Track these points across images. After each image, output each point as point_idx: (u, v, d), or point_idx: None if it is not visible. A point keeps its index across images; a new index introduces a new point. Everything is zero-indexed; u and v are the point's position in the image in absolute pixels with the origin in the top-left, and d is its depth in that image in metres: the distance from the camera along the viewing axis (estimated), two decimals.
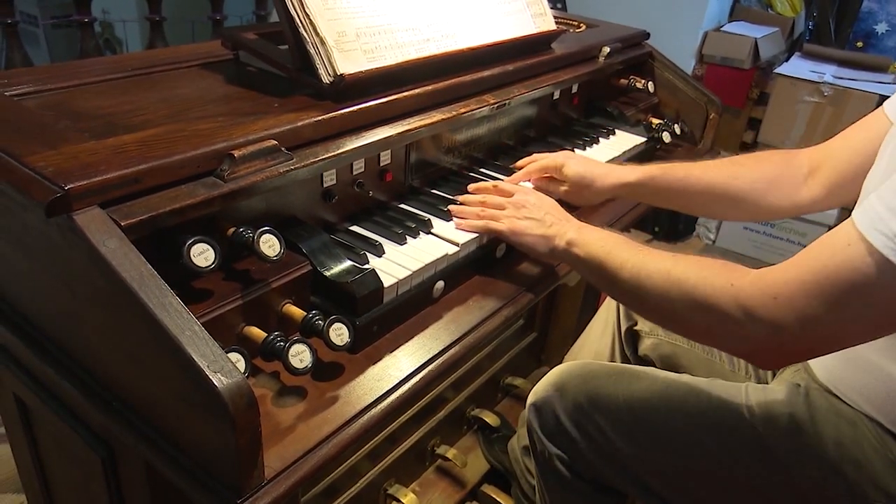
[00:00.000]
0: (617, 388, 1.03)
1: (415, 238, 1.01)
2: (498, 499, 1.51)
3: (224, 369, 0.61)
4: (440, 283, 0.95)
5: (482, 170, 1.27)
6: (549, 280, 1.07)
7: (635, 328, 1.33)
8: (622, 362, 1.38)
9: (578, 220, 1.02)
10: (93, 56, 2.38)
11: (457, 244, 1.00)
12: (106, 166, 0.70)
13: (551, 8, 1.39)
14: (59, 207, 0.65)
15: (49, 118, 0.84)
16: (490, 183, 1.16)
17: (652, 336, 1.30)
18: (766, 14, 3.47)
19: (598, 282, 0.95)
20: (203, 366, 0.60)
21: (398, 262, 0.93)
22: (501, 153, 1.34)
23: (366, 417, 0.76)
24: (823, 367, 0.99)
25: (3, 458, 1.62)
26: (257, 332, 0.77)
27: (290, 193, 0.92)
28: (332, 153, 0.90)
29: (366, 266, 0.91)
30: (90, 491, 0.94)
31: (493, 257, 1.07)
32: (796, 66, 3.09)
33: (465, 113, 1.10)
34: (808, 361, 1.02)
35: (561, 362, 1.52)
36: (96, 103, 0.92)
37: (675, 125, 1.59)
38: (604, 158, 1.37)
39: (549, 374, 1.11)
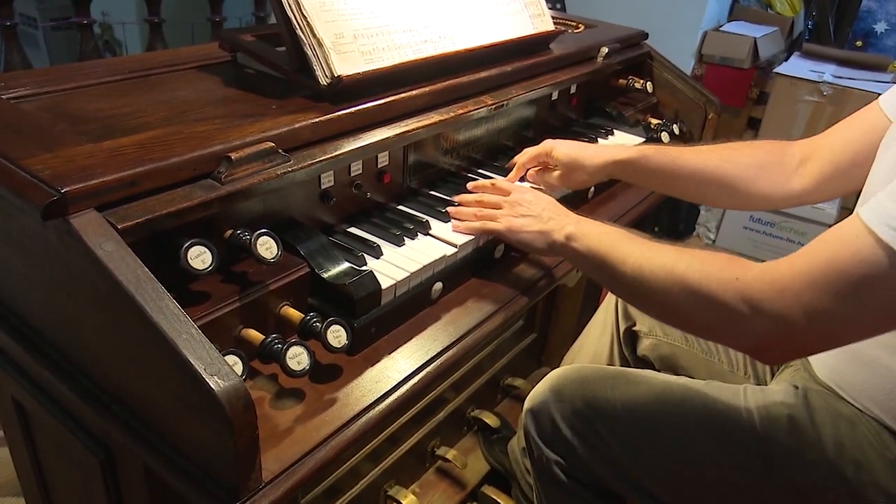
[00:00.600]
0: (614, 393, 1.02)
1: (413, 239, 1.01)
2: (498, 500, 1.51)
3: (221, 372, 0.61)
4: (438, 285, 0.95)
5: (480, 171, 1.27)
6: (548, 280, 1.07)
7: (634, 329, 1.33)
8: (621, 363, 1.37)
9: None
10: (92, 58, 2.38)
11: (455, 245, 1.00)
12: (103, 169, 0.70)
13: (550, 8, 1.39)
14: (55, 210, 0.65)
15: (46, 121, 0.84)
16: (487, 182, 1.15)
17: (651, 337, 1.30)
18: (766, 14, 3.47)
19: (598, 276, 0.94)
20: (200, 369, 0.60)
21: (396, 264, 0.93)
22: (500, 154, 1.34)
23: (364, 419, 0.76)
24: (825, 364, 0.98)
25: (3, 461, 1.62)
26: (255, 335, 0.77)
27: (287, 195, 0.92)
28: (330, 155, 0.90)
29: (364, 268, 0.91)
30: (89, 493, 0.94)
31: (491, 258, 1.07)
32: (796, 66, 3.09)
33: (463, 114, 1.10)
34: (809, 360, 1.02)
35: (561, 363, 1.53)
36: (94, 106, 0.92)
37: (674, 125, 1.59)
38: None
39: (544, 379, 1.10)
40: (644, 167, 1.15)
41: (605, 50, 1.48)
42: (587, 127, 1.53)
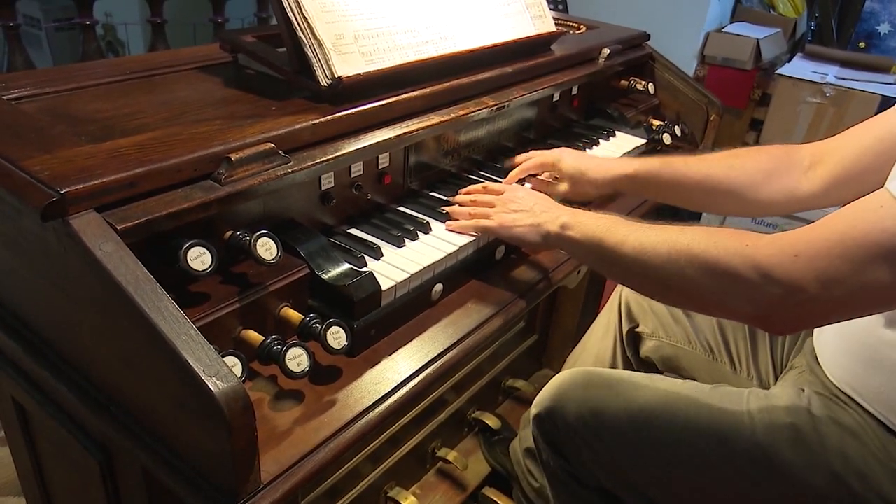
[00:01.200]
0: (618, 399, 1.01)
1: (413, 241, 1.00)
2: (499, 501, 1.51)
3: (220, 374, 0.61)
4: (439, 286, 0.95)
5: (481, 172, 1.27)
6: (549, 282, 1.07)
7: (637, 330, 1.33)
8: (624, 365, 1.37)
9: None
10: (95, 58, 2.38)
11: (455, 246, 0.99)
12: (102, 170, 0.70)
13: (552, 9, 1.39)
14: (54, 212, 0.65)
15: (46, 122, 0.84)
16: (479, 185, 1.14)
17: (654, 338, 1.30)
18: (768, 15, 3.46)
19: (596, 262, 0.93)
20: (199, 370, 0.60)
21: (396, 265, 0.93)
22: (501, 155, 1.34)
23: (363, 421, 0.76)
24: (838, 366, 0.96)
25: (4, 461, 1.62)
26: (254, 336, 0.77)
27: (287, 196, 0.92)
28: (330, 156, 0.90)
29: (364, 269, 0.90)
30: (88, 494, 0.94)
31: (492, 259, 1.06)
32: (798, 67, 3.09)
33: (464, 115, 1.10)
34: (821, 363, 1.00)
35: (562, 365, 1.53)
36: (94, 106, 0.92)
37: (676, 126, 1.59)
38: None
39: (549, 383, 1.09)
40: (650, 180, 1.14)
41: (606, 51, 1.48)
42: (588, 128, 1.52)
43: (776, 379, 1.15)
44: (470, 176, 1.25)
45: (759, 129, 3.21)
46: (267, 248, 0.78)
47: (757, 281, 0.72)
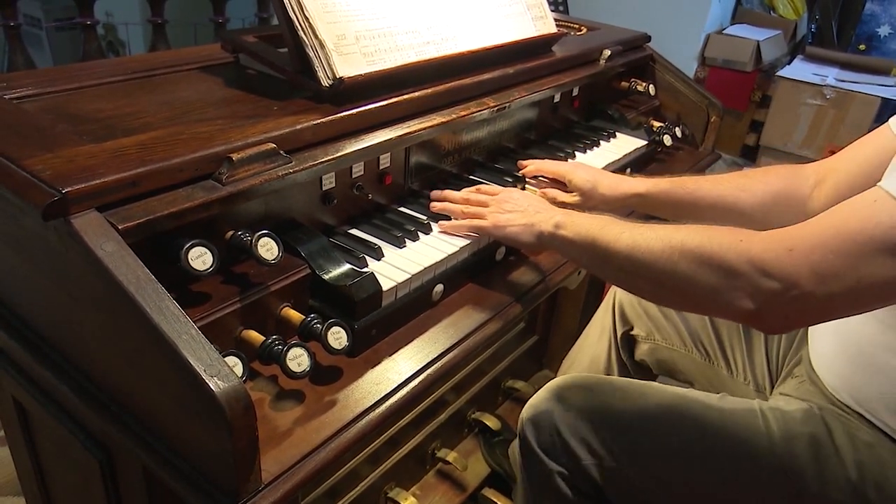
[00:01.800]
0: (624, 403, 0.99)
1: (414, 241, 1.00)
2: (498, 502, 1.51)
3: (221, 373, 0.61)
4: (439, 287, 0.95)
5: (482, 173, 1.27)
6: (549, 283, 1.07)
7: (631, 333, 1.33)
8: (619, 368, 1.37)
9: None
10: (96, 58, 2.38)
11: (456, 247, 0.99)
12: (104, 169, 0.70)
13: (553, 11, 1.39)
14: (56, 211, 0.65)
15: (48, 121, 0.84)
16: (473, 187, 1.13)
17: (648, 341, 1.30)
18: (769, 17, 3.47)
19: (589, 261, 0.92)
20: (200, 370, 0.60)
21: (397, 266, 0.93)
22: (501, 156, 1.34)
23: (364, 421, 0.76)
24: (838, 376, 0.96)
25: (4, 460, 1.62)
26: (255, 336, 0.77)
27: (288, 196, 0.92)
28: (332, 156, 0.90)
29: (364, 269, 0.90)
30: (89, 494, 0.94)
31: (492, 260, 1.06)
32: (799, 69, 3.09)
33: (465, 116, 1.10)
34: (818, 374, 1.00)
35: (559, 366, 1.53)
36: (96, 106, 0.92)
37: (677, 128, 1.59)
38: (604, 161, 1.37)
39: (545, 387, 1.07)
40: (662, 200, 1.14)
41: (607, 52, 1.48)
42: (589, 129, 1.52)
43: (772, 383, 1.15)
44: (471, 177, 1.25)
45: (759, 131, 3.21)
46: (268, 248, 0.78)
47: (752, 275, 0.71)
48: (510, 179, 1.23)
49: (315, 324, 0.78)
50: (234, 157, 0.79)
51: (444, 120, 1.06)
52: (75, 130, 0.82)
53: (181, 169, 0.75)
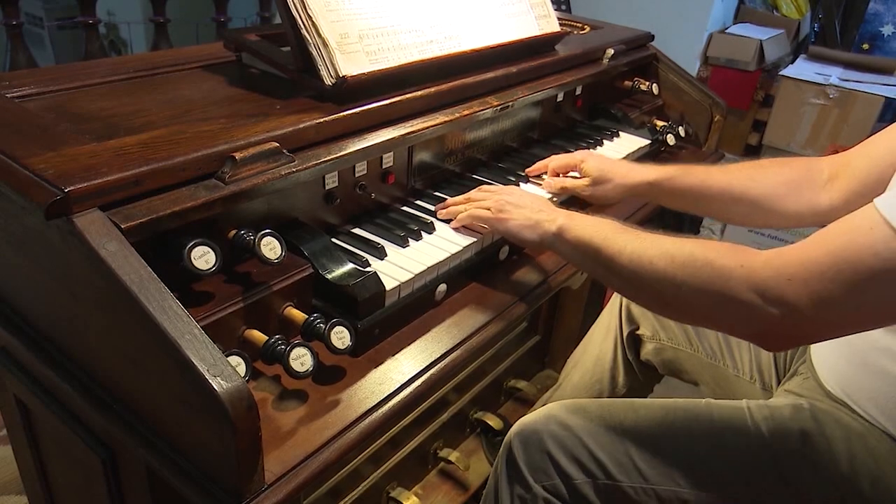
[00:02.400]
0: (614, 418, 0.98)
1: (417, 240, 1.00)
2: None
3: (224, 373, 0.60)
4: (442, 286, 0.95)
5: (485, 172, 1.26)
6: (552, 282, 1.06)
7: (637, 332, 1.33)
8: (624, 367, 1.37)
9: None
10: (97, 57, 2.38)
11: (459, 246, 0.99)
12: (106, 168, 0.70)
13: (556, 9, 1.38)
14: (58, 210, 0.65)
15: (50, 120, 0.84)
16: (474, 190, 1.12)
17: (654, 341, 1.30)
18: (772, 16, 3.46)
19: (592, 268, 0.91)
20: (203, 370, 0.60)
21: (400, 265, 0.93)
22: (504, 155, 1.34)
23: (367, 422, 0.76)
24: (834, 371, 0.97)
25: (6, 459, 1.62)
26: (258, 336, 0.77)
27: (291, 195, 0.91)
28: (335, 155, 0.90)
29: (367, 269, 0.90)
30: (91, 493, 0.94)
31: (495, 260, 1.06)
32: (802, 68, 3.08)
33: (468, 115, 1.10)
34: (816, 369, 1.01)
35: (564, 365, 1.52)
36: (98, 105, 0.91)
37: (680, 127, 1.58)
38: None
39: (534, 409, 1.05)
40: (672, 188, 1.14)
41: (610, 51, 1.48)
42: (592, 129, 1.52)
43: (779, 382, 1.15)
44: (474, 176, 1.24)
45: (761, 131, 3.20)
46: (271, 248, 0.78)
47: (753, 301, 0.72)
48: (513, 179, 1.23)
49: (318, 323, 0.78)
50: (237, 156, 0.78)
51: (447, 119, 1.06)
52: (77, 129, 0.82)
53: (184, 168, 0.75)
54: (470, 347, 0.89)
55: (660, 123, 1.58)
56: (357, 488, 1.32)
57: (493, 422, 1.61)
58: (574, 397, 1.31)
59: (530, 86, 1.25)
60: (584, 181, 1.17)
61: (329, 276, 0.85)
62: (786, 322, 0.71)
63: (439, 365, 0.85)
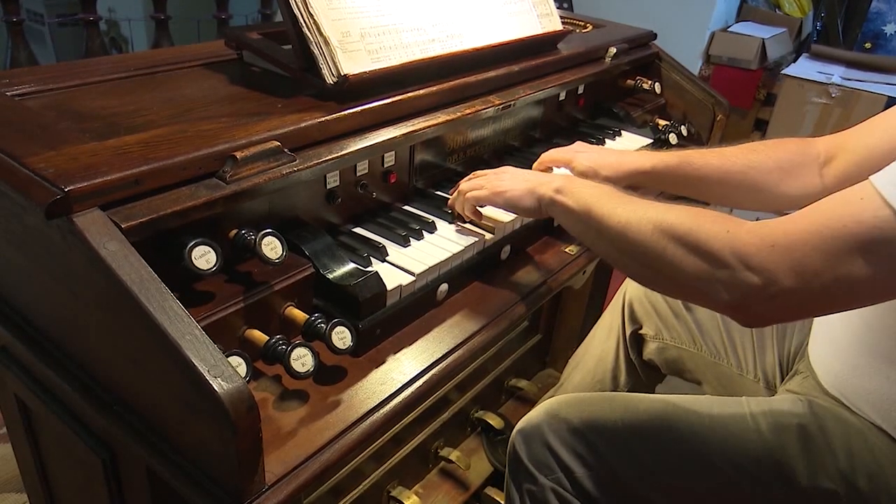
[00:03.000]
0: (614, 412, 0.98)
1: (419, 240, 1.00)
2: (501, 501, 1.50)
3: (225, 374, 0.60)
4: (444, 286, 0.94)
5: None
6: (554, 282, 1.06)
7: (640, 332, 1.32)
8: (626, 367, 1.36)
9: None
10: (98, 54, 2.38)
11: (461, 246, 0.99)
12: (107, 168, 0.69)
13: (557, 8, 1.38)
14: (58, 209, 0.65)
15: (50, 118, 0.84)
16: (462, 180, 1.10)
17: (657, 340, 1.29)
18: (774, 14, 3.45)
19: (584, 232, 0.90)
20: (203, 371, 0.60)
21: (402, 265, 0.93)
22: (506, 154, 1.34)
23: (368, 422, 0.75)
24: (830, 371, 0.97)
25: (6, 458, 1.62)
26: (259, 336, 0.77)
27: (293, 195, 0.91)
28: (336, 154, 0.89)
29: (369, 269, 0.90)
30: (91, 492, 0.94)
31: (497, 260, 1.06)
32: (804, 67, 3.08)
33: (470, 114, 1.09)
34: (815, 368, 1.01)
35: (565, 364, 1.52)
36: (99, 103, 0.91)
37: (682, 126, 1.58)
38: None
39: (537, 405, 1.05)
40: (668, 176, 1.13)
41: (613, 50, 1.47)
42: (594, 128, 1.52)
43: (783, 381, 1.15)
44: None
45: (763, 130, 3.20)
46: (272, 248, 0.78)
47: (734, 267, 0.71)
48: None
49: (319, 323, 0.78)
50: (238, 155, 0.78)
51: (449, 118, 1.06)
52: (78, 128, 0.81)
53: (184, 167, 0.75)
54: (471, 347, 0.89)
55: (662, 122, 1.58)
56: (358, 487, 1.32)
57: (494, 421, 1.61)
58: None
59: (532, 85, 1.25)
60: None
61: (330, 276, 0.85)
62: (765, 292, 0.70)
63: (441, 365, 0.85)
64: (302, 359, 0.74)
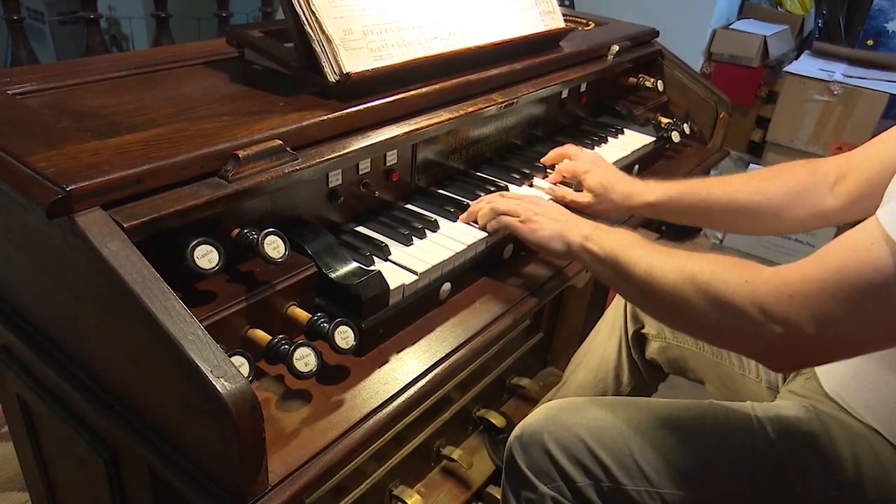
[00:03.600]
0: (616, 419, 0.96)
1: (421, 239, 0.99)
2: None
3: (227, 374, 0.60)
4: (447, 285, 0.94)
5: (489, 169, 1.26)
6: (557, 281, 1.05)
7: (642, 331, 1.32)
8: (629, 366, 1.36)
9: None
10: (99, 53, 2.38)
11: (464, 245, 0.98)
12: (108, 167, 0.69)
13: (559, 5, 1.37)
14: (60, 209, 0.64)
15: (51, 117, 0.83)
16: (496, 193, 1.11)
17: (659, 339, 1.29)
18: (776, 12, 3.44)
19: (611, 279, 0.92)
20: (206, 371, 0.59)
21: (404, 264, 0.92)
22: (509, 153, 1.33)
23: (371, 422, 0.75)
24: (831, 377, 0.97)
25: (8, 456, 1.62)
26: (261, 335, 0.76)
27: (295, 194, 0.91)
28: (338, 153, 0.89)
29: (372, 268, 0.89)
30: (93, 492, 0.94)
31: (500, 258, 1.05)
32: (806, 65, 3.07)
33: (472, 112, 1.09)
34: (817, 370, 1.00)
35: (568, 364, 1.52)
36: (99, 102, 0.91)
37: (685, 124, 1.57)
38: (613, 158, 1.36)
39: (535, 410, 1.03)
40: (674, 207, 1.13)
41: (615, 48, 1.47)
42: (597, 126, 1.51)
43: (785, 381, 1.14)
44: (478, 174, 1.23)
45: (765, 127, 3.19)
46: (275, 247, 0.77)
47: (756, 318, 0.72)
48: (517, 176, 1.22)
49: (322, 323, 0.77)
50: (240, 154, 0.78)
51: (451, 116, 1.05)
52: (79, 127, 0.81)
53: (186, 166, 0.74)
54: (474, 347, 0.89)
55: (664, 120, 1.57)
56: (360, 486, 1.32)
57: (496, 419, 1.61)
58: (578, 396, 1.30)
59: (535, 83, 1.24)
60: (587, 198, 1.16)
61: (333, 276, 0.84)
62: (788, 340, 0.71)
63: (444, 364, 0.84)
64: (305, 358, 0.73)
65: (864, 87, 2.87)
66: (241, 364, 0.71)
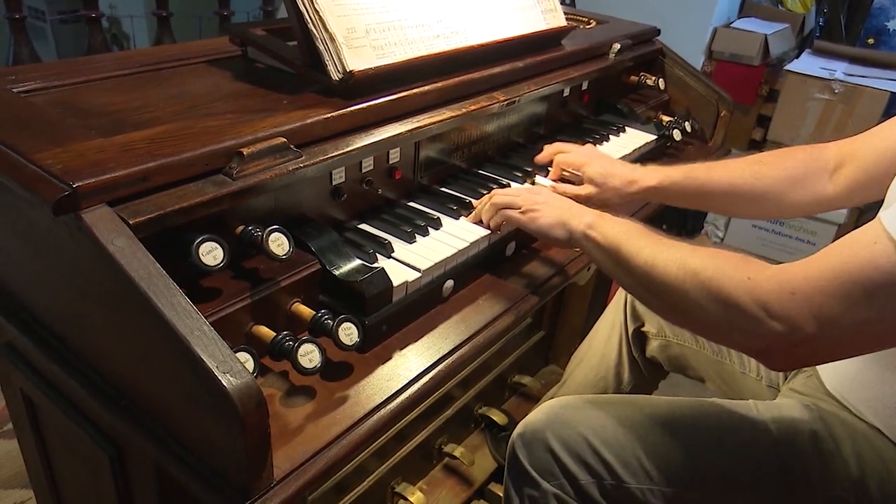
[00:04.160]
0: (619, 417, 0.96)
1: (424, 236, 1.00)
2: None
3: (233, 370, 0.60)
4: (450, 283, 0.94)
5: (492, 167, 1.26)
6: (560, 279, 1.06)
7: (642, 329, 1.32)
8: (629, 364, 1.36)
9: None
10: (100, 51, 2.38)
11: (466, 242, 0.99)
12: (114, 164, 0.69)
13: (561, 4, 1.38)
14: (66, 206, 0.65)
15: (56, 115, 0.83)
16: (496, 190, 1.11)
17: (659, 337, 1.29)
18: (777, 10, 3.44)
19: (612, 269, 0.91)
20: (212, 366, 0.60)
21: (407, 261, 0.93)
22: (511, 151, 1.33)
23: (375, 418, 0.75)
24: (832, 375, 0.97)
25: (12, 453, 1.63)
26: (266, 332, 0.77)
27: (298, 191, 0.91)
28: (342, 151, 0.89)
29: (375, 265, 0.90)
30: (98, 488, 0.94)
31: (502, 256, 1.06)
32: (807, 63, 3.07)
33: (474, 110, 1.09)
34: (818, 369, 1.00)
35: (568, 362, 1.52)
36: (104, 100, 0.91)
37: (686, 122, 1.57)
38: (614, 156, 1.36)
39: (538, 408, 1.03)
40: (674, 191, 1.14)
41: (617, 46, 1.47)
42: (598, 124, 1.51)
43: (785, 379, 1.14)
44: (480, 171, 1.24)
45: (766, 126, 3.19)
46: (279, 244, 0.78)
47: (757, 315, 0.72)
48: (520, 174, 1.23)
49: (325, 319, 0.78)
50: (245, 151, 0.78)
51: (454, 114, 1.05)
52: (84, 124, 0.81)
53: (191, 163, 0.75)
54: (477, 344, 0.89)
55: (666, 119, 1.58)
56: (362, 483, 1.32)
57: (498, 417, 1.61)
58: (579, 394, 1.30)
59: (537, 81, 1.25)
60: (588, 189, 1.16)
61: (337, 273, 0.85)
62: (789, 339, 0.71)
63: (447, 361, 0.85)
64: (309, 355, 0.74)
65: (865, 85, 2.87)
66: (246, 360, 0.72)
